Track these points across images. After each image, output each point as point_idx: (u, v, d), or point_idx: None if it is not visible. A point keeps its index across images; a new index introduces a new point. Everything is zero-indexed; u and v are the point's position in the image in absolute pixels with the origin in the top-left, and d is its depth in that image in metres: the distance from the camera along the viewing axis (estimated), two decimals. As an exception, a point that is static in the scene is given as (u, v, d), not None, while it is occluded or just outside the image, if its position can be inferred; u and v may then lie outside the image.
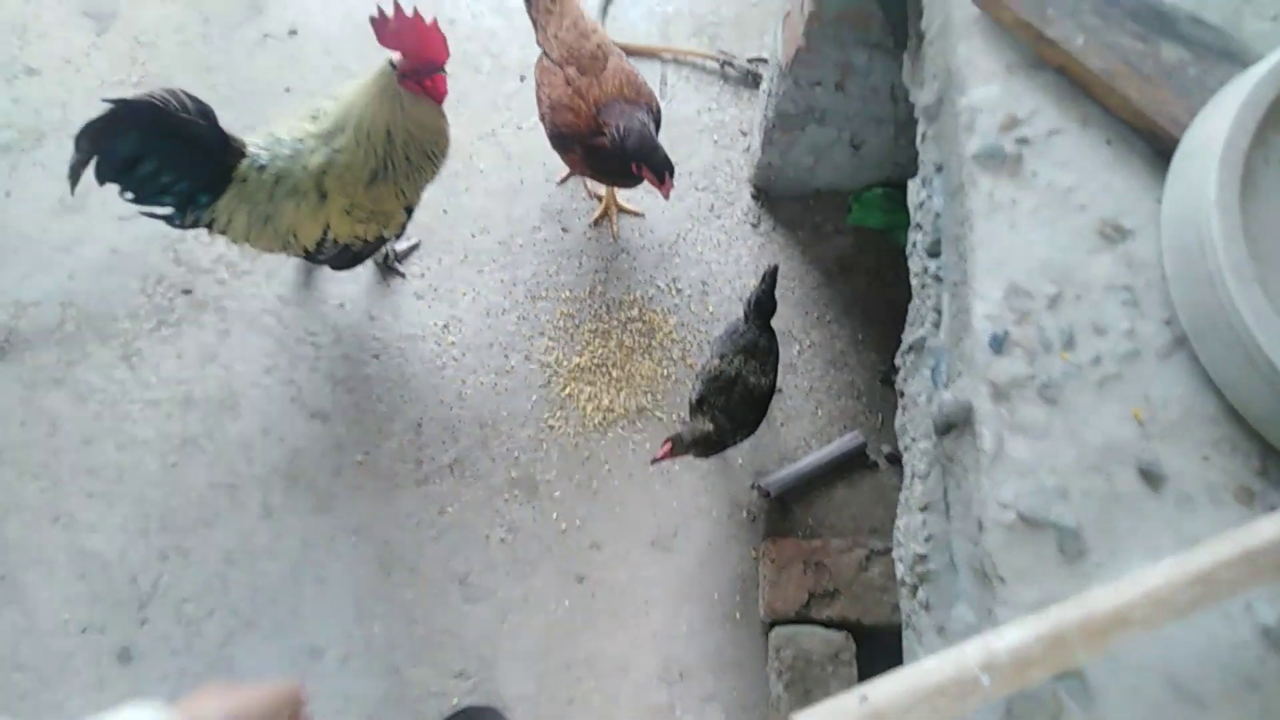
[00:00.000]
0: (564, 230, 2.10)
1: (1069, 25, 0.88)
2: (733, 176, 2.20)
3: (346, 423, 1.89)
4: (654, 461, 1.62)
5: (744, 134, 2.24)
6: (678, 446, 1.59)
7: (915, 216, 1.21)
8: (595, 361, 1.97)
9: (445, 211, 2.09)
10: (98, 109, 1.42)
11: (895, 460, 1.89)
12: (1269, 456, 0.73)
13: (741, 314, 1.72)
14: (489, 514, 1.83)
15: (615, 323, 2.01)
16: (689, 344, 2.00)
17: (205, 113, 1.48)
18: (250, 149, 1.55)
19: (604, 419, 1.91)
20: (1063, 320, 0.77)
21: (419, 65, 1.51)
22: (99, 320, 1.94)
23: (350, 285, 2.01)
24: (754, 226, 2.14)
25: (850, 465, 1.88)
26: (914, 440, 1.09)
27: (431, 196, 2.09)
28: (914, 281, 1.18)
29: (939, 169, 0.95)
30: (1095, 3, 0.90)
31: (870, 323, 2.04)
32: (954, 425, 0.76)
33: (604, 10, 2.33)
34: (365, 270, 2.02)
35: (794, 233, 2.14)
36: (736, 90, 2.30)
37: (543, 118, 1.86)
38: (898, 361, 1.17)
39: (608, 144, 1.70)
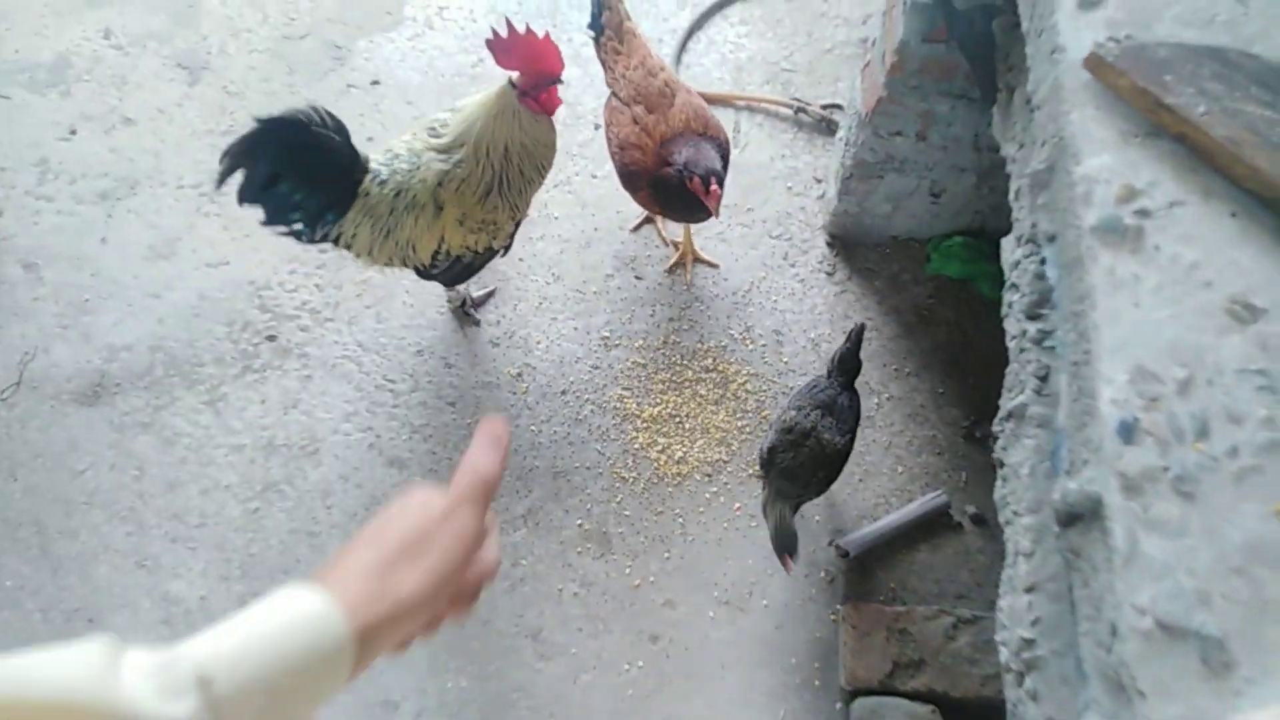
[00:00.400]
0: (637, 278, 2.10)
1: (1189, 93, 0.85)
2: (807, 224, 2.17)
3: (422, 470, 1.90)
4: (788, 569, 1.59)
5: (818, 181, 2.22)
6: (793, 553, 1.56)
7: (1011, 276, 1.17)
8: (669, 412, 1.96)
9: (520, 259, 2.11)
10: (245, 127, 1.47)
11: (980, 521, 1.82)
12: None
13: (825, 370, 1.69)
14: (561, 567, 1.81)
15: (689, 373, 1.99)
16: (764, 395, 1.97)
17: (340, 129, 1.55)
18: (373, 164, 1.63)
19: (678, 471, 1.89)
20: (1194, 407, 0.73)
21: (537, 80, 1.56)
22: (186, 365, 1.99)
23: (429, 332, 2.03)
24: (829, 275, 2.11)
25: (933, 525, 1.82)
26: (1016, 514, 1.05)
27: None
28: (1011, 345, 1.14)
29: (1051, 239, 0.92)
30: (1217, 69, 0.86)
31: (951, 376, 1.99)
32: (1080, 517, 0.72)
33: (678, 58, 2.34)
34: (443, 318, 2.04)
35: (870, 282, 2.11)
36: (810, 137, 2.28)
37: (613, 157, 1.89)
38: (995, 428, 1.13)
39: (671, 174, 1.70)
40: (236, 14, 2.40)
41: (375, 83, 2.31)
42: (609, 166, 2.21)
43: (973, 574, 1.78)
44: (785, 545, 1.57)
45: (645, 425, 1.94)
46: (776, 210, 2.17)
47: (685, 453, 1.91)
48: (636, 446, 1.92)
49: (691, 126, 1.76)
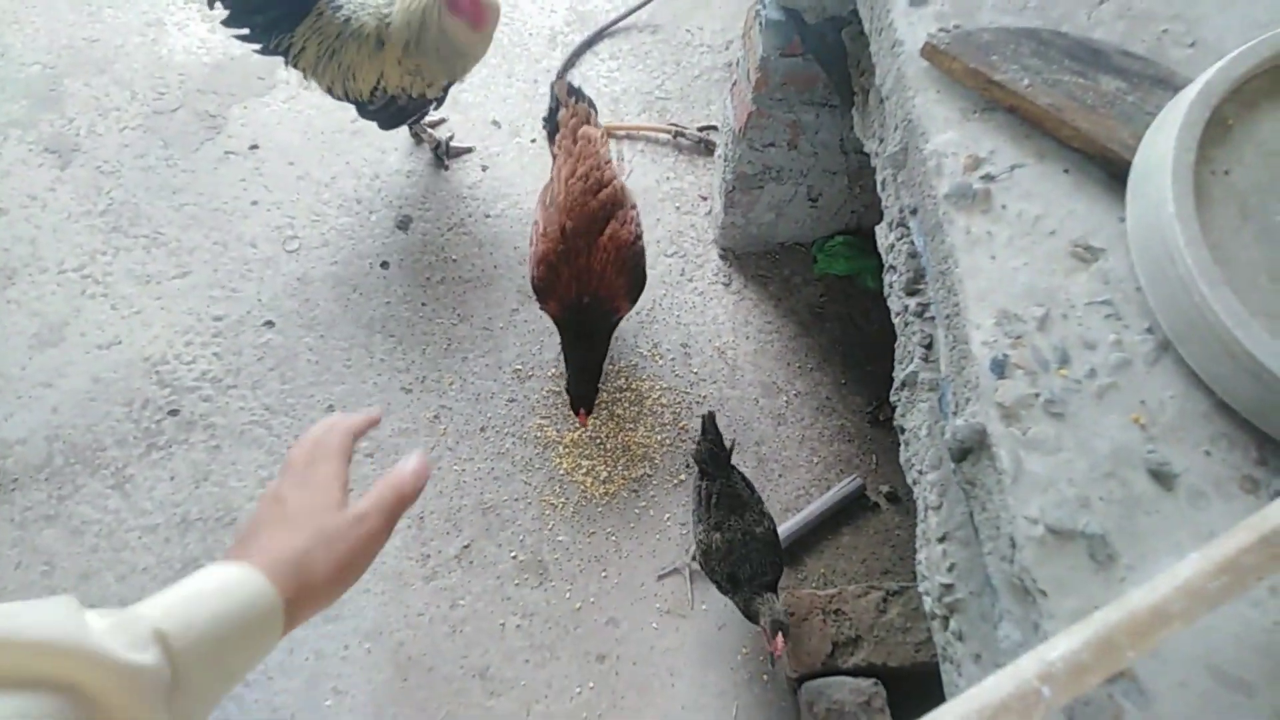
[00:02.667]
0: (543, 311, 2.14)
1: (1013, 69, 0.95)
2: (698, 240, 2.26)
3: (347, 526, 1.88)
4: (774, 657, 1.56)
5: (704, 198, 2.31)
6: (786, 632, 1.52)
7: (888, 259, 1.26)
8: (589, 435, 1.99)
9: (423, 304, 2.12)
10: None
11: (894, 499, 1.92)
12: (1266, 447, 0.77)
13: (698, 472, 1.69)
14: (501, 601, 1.82)
15: (604, 395, 2.03)
16: (679, 407, 2.03)
17: None
18: None
19: (605, 491, 1.93)
20: (1054, 339, 0.82)
21: None
22: (87, 451, 1.92)
23: (337, 387, 2.02)
24: (726, 285, 2.20)
25: (852, 509, 1.91)
26: (921, 474, 1.12)
27: (409, 291, 2.13)
28: (896, 321, 1.23)
29: (913, 211, 1.01)
30: (1034, 46, 0.97)
31: (851, 366, 2.09)
32: (970, 450, 0.80)
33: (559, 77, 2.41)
34: (350, 370, 2.03)
35: (765, 287, 2.20)
36: (691, 158, 2.38)
37: (532, 249, 1.85)
38: (893, 399, 1.21)
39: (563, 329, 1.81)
40: (103, 94, 2.36)
41: (254, 147, 2.30)
42: (501, 205, 2.27)
43: (894, 549, 1.87)
44: (778, 627, 1.51)
45: (567, 451, 1.98)
46: (668, 230, 2.26)
47: (610, 472, 1.95)
48: (561, 472, 1.95)
49: (606, 274, 1.75)
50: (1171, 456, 0.75)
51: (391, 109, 1.98)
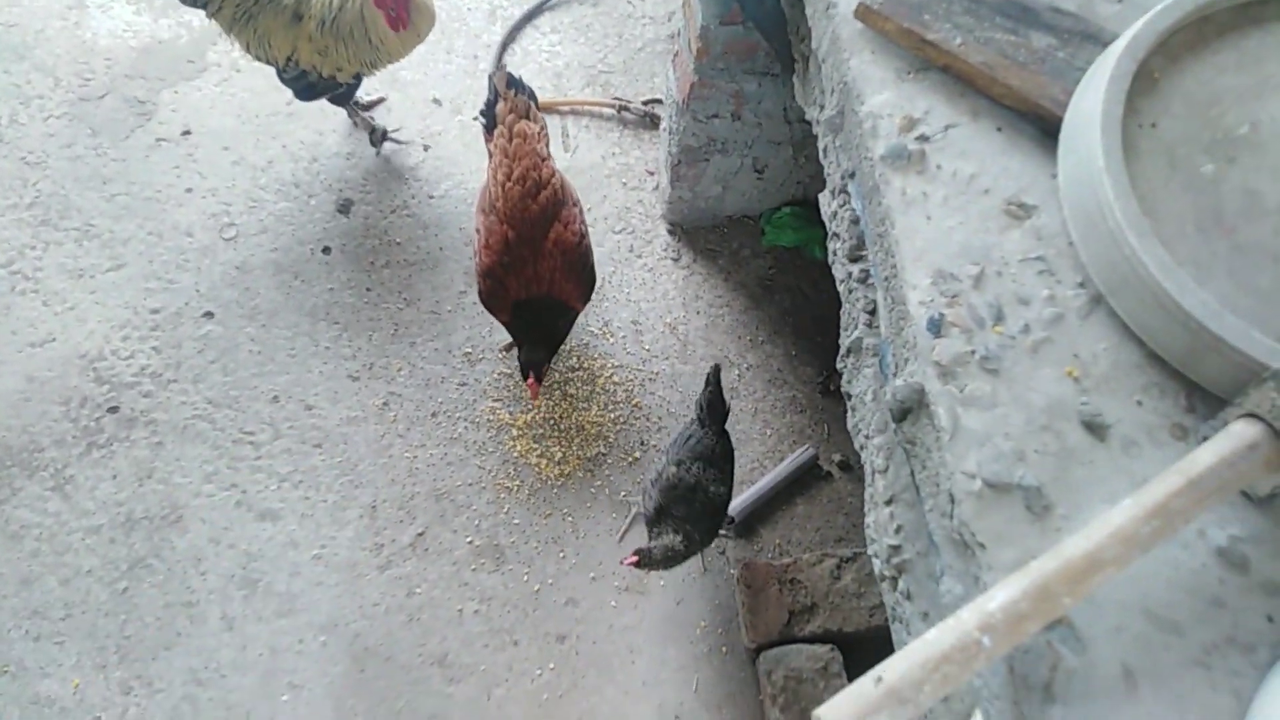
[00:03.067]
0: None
1: (946, 28, 0.95)
2: (646, 215, 2.25)
3: (297, 518, 1.85)
4: (624, 562, 1.56)
5: (650, 174, 2.30)
6: (645, 562, 1.53)
7: (831, 226, 1.26)
8: (542, 416, 1.98)
9: (368, 289, 2.09)
10: None
11: (847, 468, 1.93)
12: (1194, 394, 0.78)
13: (694, 418, 1.68)
14: (458, 588, 1.80)
15: (556, 375, 2.01)
16: (631, 385, 2.02)
17: None
18: None
19: (560, 472, 1.91)
20: (989, 296, 0.82)
21: None
22: (23, 453, 1.86)
23: (281, 377, 1.97)
24: (675, 260, 2.19)
25: (805, 479, 1.92)
26: (868, 438, 1.13)
27: (353, 276, 2.09)
28: (840, 288, 1.23)
29: (851, 175, 1.00)
30: (966, 5, 0.97)
31: (801, 338, 2.10)
32: (909, 410, 0.80)
33: (496, 65, 2.37)
34: (294, 359, 1.99)
35: (714, 261, 2.20)
36: (636, 133, 2.36)
37: (475, 260, 1.80)
38: (839, 365, 1.21)
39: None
40: (24, 81, 2.27)
41: (186, 133, 2.24)
42: (445, 186, 2.23)
43: (848, 517, 1.88)
44: (670, 564, 1.56)
45: (521, 433, 1.96)
46: (615, 206, 2.24)
47: (564, 453, 1.94)
48: (515, 455, 1.93)
49: (555, 279, 1.71)
50: (1104, 407, 0.76)
51: (303, 82, 1.99)
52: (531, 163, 1.73)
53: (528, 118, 1.78)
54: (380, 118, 2.26)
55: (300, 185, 2.19)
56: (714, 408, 1.66)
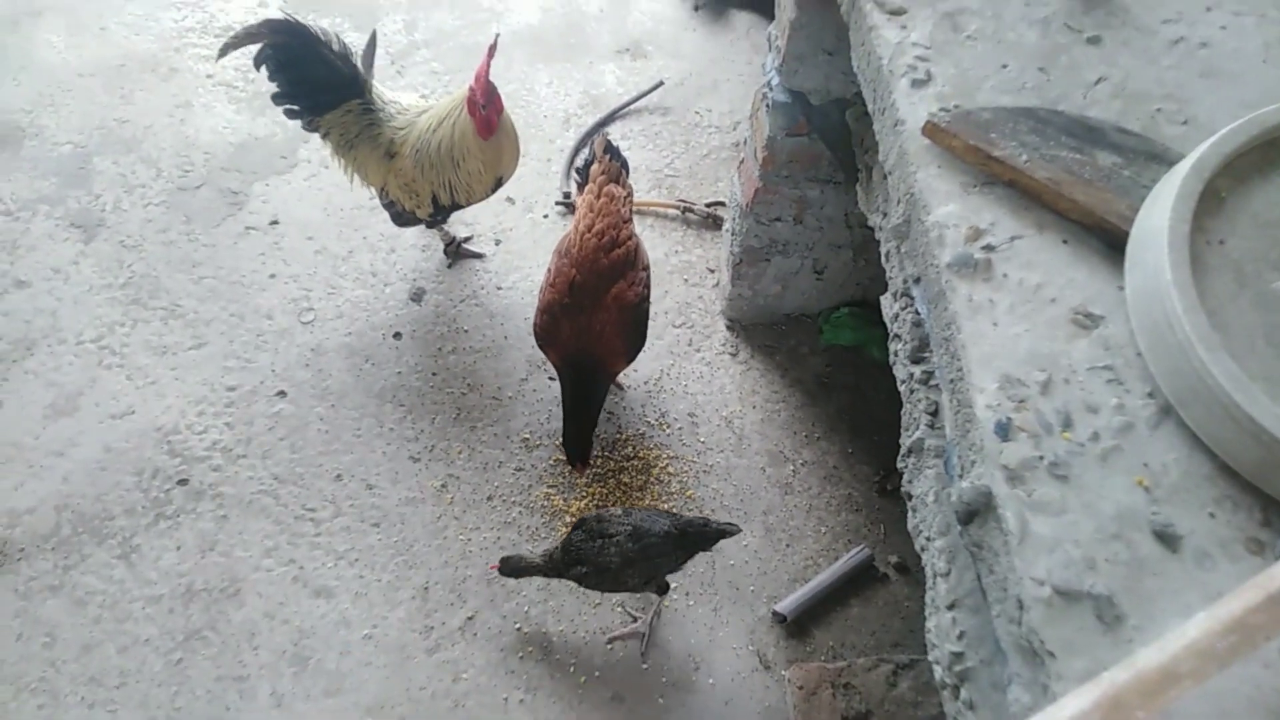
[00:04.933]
0: (550, 379, 2.16)
1: (1012, 145, 0.99)
2: (706, 311, 2.30)
3: (351, 596, 1.87)
4: (493, 567, 1.71)
5: (711, 271, 2.36)
6: (505, 569, 1.70)
7: (893, 328, 1.28)
8: (596, 504, 1.99)
9: (434, 374, 2.15)
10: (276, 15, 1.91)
11: (904, 570, 1.90)
12: (1270, 509, 0.77)
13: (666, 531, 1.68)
14: (505, 675, 1.79)
15: (612, 463, 2.04)
16: (685, 476, 2.03)
17: (344, 54, 1.90)
18: (374, 93, 1.96)
19: (612, 561, 1.91)
20: (1057, 403, 0.83)
21: (475, 92, 1.86)
22: (95, 520, 1.92)
23: (346, 456, 2.03)
24: (733, 355, 2.23)
25: (860, 579, 1.89)
26: (929, 540, 1.12)
27: (420, 361, 2.16)
28: (901, 388, 1.25)
29: (916, 280, 1.03)
30: (1032, 124, 1.01)
31: (858, 436, 2.10)
32: (976, 512, 0.80)
33: (568, 173, 2.49)
34: (359, 440, 2.05)
35: (771, 357, 2.23)
36: (699, 233, 2.44)
37: (540, 294, 1.90)
38: (900, 465, 1.22)
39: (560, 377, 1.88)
40: (129, 171, 2.44)
41: (274, 223, 2.37)
42: (513, 278, 2.32)
43: (904, 621, 1.84)
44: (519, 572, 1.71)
45: (574, 520, 1.97)
46: (676, 301, 2.29)
47: (617, 543, 1.94)
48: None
49: (605, 335, 1.80)
50: (1176, 518, 0.75)
51: (393, 210, 2.12)
52: (612, 221, 1.85)
53: (617, 182, 1.92)
54: (455, 216, 2.37)
55: (377, 274, 2.29)
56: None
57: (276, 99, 1.94)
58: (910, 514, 1.17)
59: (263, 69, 1.89)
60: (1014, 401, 0.83)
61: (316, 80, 1.91)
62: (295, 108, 1.95)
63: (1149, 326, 0.85)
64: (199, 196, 2.41)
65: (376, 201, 2.34)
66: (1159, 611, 0.70)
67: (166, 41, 2.72)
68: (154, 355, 2.15)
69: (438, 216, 2.12)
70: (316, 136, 2.07)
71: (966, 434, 0.85)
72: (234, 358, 2.15)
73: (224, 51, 1.84)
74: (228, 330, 2.19)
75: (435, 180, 1.96)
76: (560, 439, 2.06)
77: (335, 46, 1.88)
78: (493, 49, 1.82)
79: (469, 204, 2.07)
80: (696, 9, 2.89)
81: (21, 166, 2.44)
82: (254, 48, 1.86)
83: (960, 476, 0.86)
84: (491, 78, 1.85)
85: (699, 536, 1.67)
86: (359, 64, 1.94)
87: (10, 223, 2.35)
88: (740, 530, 1.73)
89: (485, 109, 1.87)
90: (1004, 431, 0.81)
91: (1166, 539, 0.74)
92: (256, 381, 2.11)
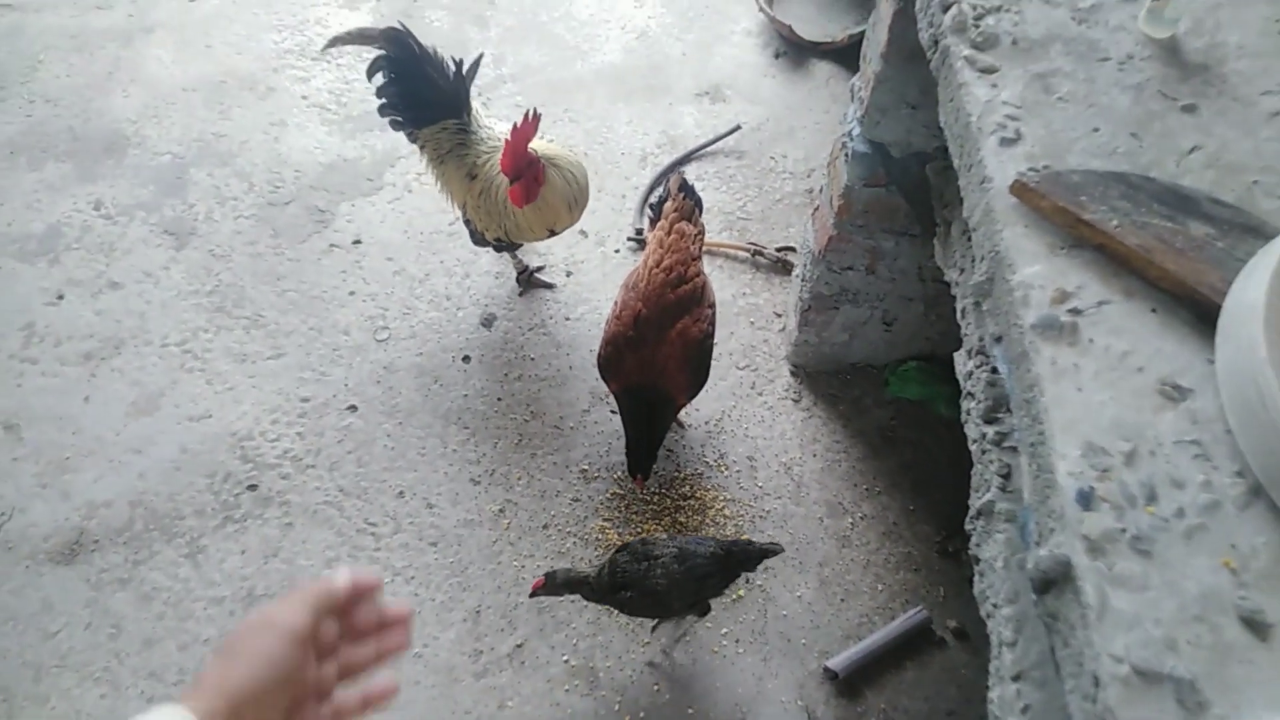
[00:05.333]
0: (613, 412, 2.18)
1: (1102, 209, 0.98)
2: (770, 355, 2.29)
3: (404, 613, 1.89)
4: (532, 594, 1.68)
5: (778, 315, 2.36)
6: (549, 585, 1.66)
7: (966, 385, 1.27)
8: (650, 541, 1.99)
9: (499, 399, 2.18)
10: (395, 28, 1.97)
11: (963, 635, 1.85)
12: (1367, 602, 0.74)
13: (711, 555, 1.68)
14: (549, 707, 1.79)
15: (668, 501, 2.04)
16: (741, 520, 2.02)
17: (449, 76, 1.98)
18: (476, 117, 2.04)
19: (662, 600, 1.90)
20: (1142, 475, 0.81)
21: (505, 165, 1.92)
22: (166, 519, 1.99)
23: (409, 474, 2.06)
24: (795, 401, 2.21)
25: (917, 643, 1.85)
26: (996, 607, 1.10)
27: (487, 385, 2.20)
28: (973, 448, 1.23)
29: (998, 340, 1.02)
30: (1123, 190, 1.00)
31: (920, 493, 2.06)
32: (1054, 582, 0.78)
33: (641, 210, 2.52)
34: (423, 458, 2.08)
35: (835, 406, 2.21)
36: (768, 276, 2.44)
37: (606, 326, 1.93)
38: (968, 527, 1.19)
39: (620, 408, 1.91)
40: (223, 184, 2.55)
41: (357, 242, 2.44)
42: (581, 310, 2.35)
43: (960, 689, 1.79)
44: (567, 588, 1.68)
45: (627, 556, 1.97)
46: (742, 344, 2.30)
47: (668, 581, 1.93)
48: (620, 578, 1.94)
49: (667, 368, 1.82)
50: (1265, 605, 0.73)
51: (470, 229, 2.18)
52: (681, 258, 1.87)
53: (689, 220, 1.94)
54: (529, 246, 2.42)
55: (451, 298, 2.35)
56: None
57: (383, 110, 2.02)
58: (977, 578, 1.15)
59: (375, 78, 1.99)
60: (1097, 470, 0.81)
61: (420, 95, 1.99)
62: (399, 119, 2.03)
63: (1240, 404, 0.83)
64: (287, 212, 2.50)
65: (455, 227, 2.41)
66: (1246, 702, 0.68)
67: (266, 61, 2.85)
68: (234, 362, 2.22)
69: (502, 244, 2.17)
70: (402, 161, 2.14)
71: (1046, 500, 0.84)
72: (309, 370, 2.21)
73: (332, 44, 1.94)
74: (305, 343, 2.26)
75: (492, 216, 2.03)
76: (620, 471, 2.08)
77: (441, 64, 1.96)
78: (535, 120, 1.85)
79: (525, 243, 2.14)
80: (777, 56, 2.92)
81: (124, 173, 2.57)
82: (355, 72, 1.94)
83: (1037, 544, 0.84)
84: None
85: (744, 556, 1.67)
86: (460, 85, 2.00)
87: (109, 226, 2.47)
88: (783, 549, 1.73)
89: (513, 183, 1.91)
90: (1086, 501, 0.79)
91: (1255, 626, 0.72)
92: (329, 394, 2.17)
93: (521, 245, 2.23)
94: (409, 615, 0.82)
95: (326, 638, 0.75)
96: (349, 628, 0.78)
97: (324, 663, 0.76)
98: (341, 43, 1.92)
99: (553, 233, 2.08)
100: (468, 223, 2.16)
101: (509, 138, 1.86)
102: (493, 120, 2.11)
